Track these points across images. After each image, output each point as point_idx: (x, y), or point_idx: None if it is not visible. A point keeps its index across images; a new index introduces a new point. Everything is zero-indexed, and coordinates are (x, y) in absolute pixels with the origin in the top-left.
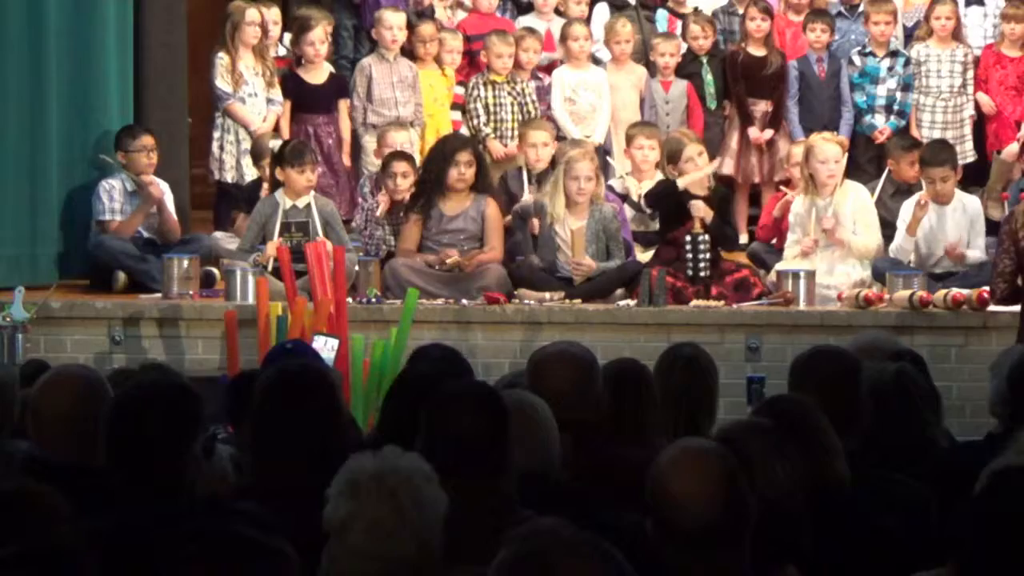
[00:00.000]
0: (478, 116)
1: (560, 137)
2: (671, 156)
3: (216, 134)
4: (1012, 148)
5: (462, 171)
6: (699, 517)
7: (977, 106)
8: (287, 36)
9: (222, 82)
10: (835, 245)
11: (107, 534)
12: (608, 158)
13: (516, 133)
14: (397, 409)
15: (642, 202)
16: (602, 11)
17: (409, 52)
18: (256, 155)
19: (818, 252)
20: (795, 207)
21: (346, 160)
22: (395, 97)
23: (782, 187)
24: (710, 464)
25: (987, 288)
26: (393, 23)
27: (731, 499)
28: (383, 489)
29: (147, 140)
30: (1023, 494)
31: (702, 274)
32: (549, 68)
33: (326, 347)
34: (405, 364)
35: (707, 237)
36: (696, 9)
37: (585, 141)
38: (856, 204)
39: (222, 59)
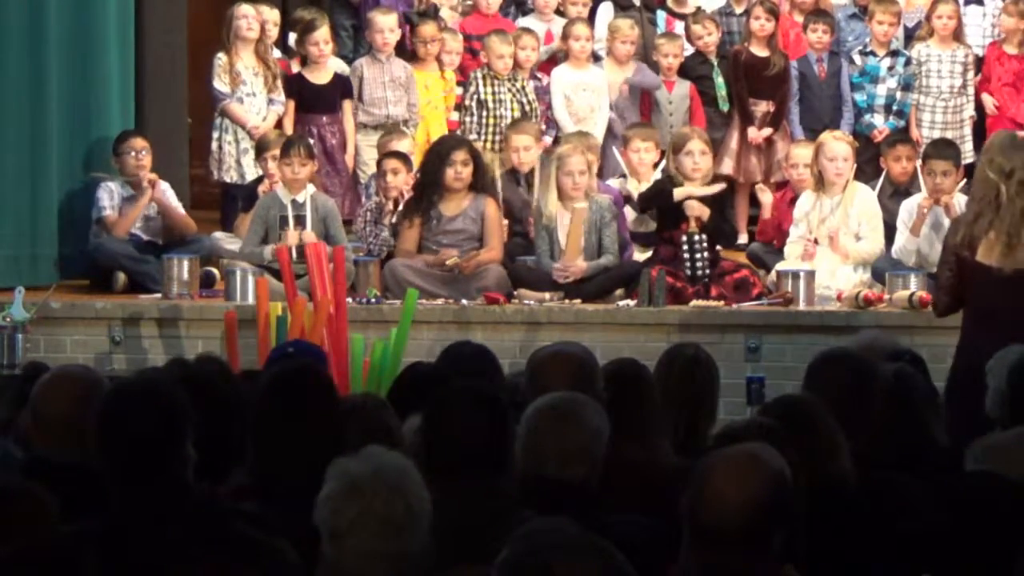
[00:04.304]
0: (472, 115)
1: (559, 137)
2: (675, 147)
3: (215, 134)
4: None
5: (458, 171)
6: (738, 518)
7: (979, 107)
8: (290, 36)
9: (219, 82)
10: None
11: (106, 535)
12: (615, 150)
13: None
14: (396, 407)
15: (635, 205)
16: (606, 10)
17: (410, 52)
18: (260, 148)
19: (819, 252)
20: (801, 203)
21: (349, 161)
22: (386, 97)
23: (787, 179)
24: (758, 468)
25: None
26: (384, 26)
27: (774, 504)
28: (390, 486)
29: (135, 143)
30: (981, 500)
31: (699, 273)
32: (551, 63)
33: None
34: (437, 360)
35: (704, 236)
36: (699, 9)
37: (585, 139)
38: (863, 206)
39: (220, 59)
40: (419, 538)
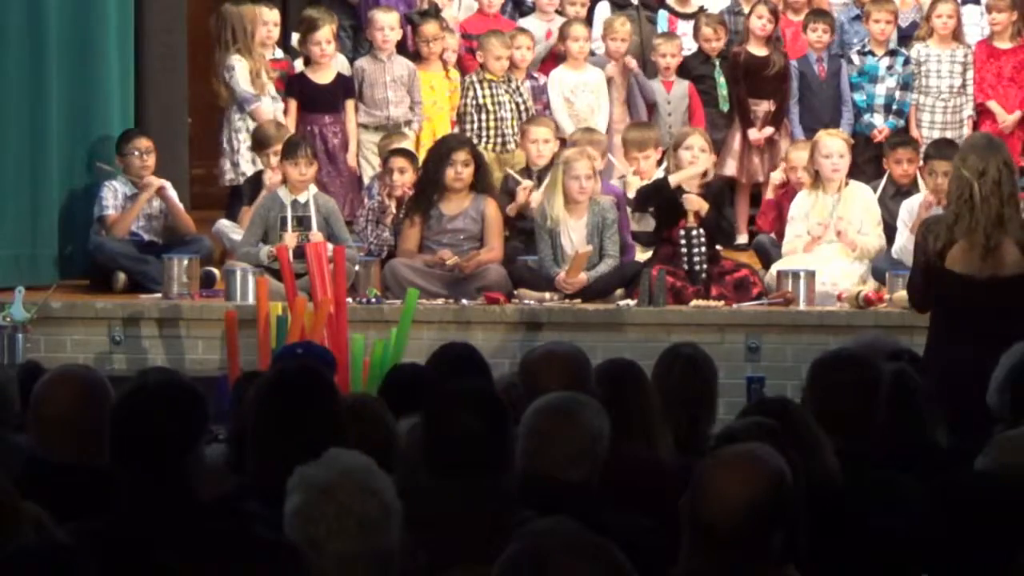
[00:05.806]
0: (472, 121)
1: (562, 138)
2: (675, 145)
3: (228, 135)
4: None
5: (459, 171)
6: (739, 519)
7: (978, 107)
8: (293, 36)
9: (247, 84)
10: (840, 242)
11: (108, 534)
12: (611, 156)
13: (517, 131)
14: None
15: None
16: (603, 10)
17: (413, 52)
18: (262, 143)
19: (818, 250)
20: (798, 202)
21: (351, 161)
22: (387, 97)
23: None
24: (759, 468)
25: None
26: (384, 23)
27: (774, 504)
28: (361, 486)
29: (140, 143)
30: (980, 500)
31: (697, 267)
32: (551, 62)
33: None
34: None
35: (702, 231)
36: (702, 8)
37: (591, 135)
38: (862, 204)
39: (241, 62)
40: (395, 535)
